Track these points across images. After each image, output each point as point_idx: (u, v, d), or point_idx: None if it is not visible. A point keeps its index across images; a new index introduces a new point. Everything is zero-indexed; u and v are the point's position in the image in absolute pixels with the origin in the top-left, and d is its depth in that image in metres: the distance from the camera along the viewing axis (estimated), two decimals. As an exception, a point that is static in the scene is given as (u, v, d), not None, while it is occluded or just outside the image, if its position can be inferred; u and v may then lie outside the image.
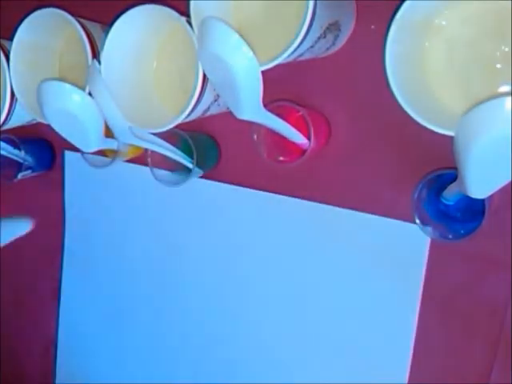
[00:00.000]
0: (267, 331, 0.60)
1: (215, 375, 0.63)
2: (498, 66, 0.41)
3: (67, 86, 0.47)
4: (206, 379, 0.64)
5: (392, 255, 0.53)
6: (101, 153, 0.60)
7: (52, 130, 0.50)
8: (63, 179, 0.70)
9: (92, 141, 0.51)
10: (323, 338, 0.57)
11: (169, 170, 0.59)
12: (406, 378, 0.53)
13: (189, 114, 0.47)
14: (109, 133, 0.51)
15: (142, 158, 0.62)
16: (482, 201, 0.44)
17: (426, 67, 0.42)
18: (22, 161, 0.67)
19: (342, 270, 0.55)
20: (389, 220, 0.52)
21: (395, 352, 0.53)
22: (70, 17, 0.51)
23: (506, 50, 0.40)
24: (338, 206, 0.54)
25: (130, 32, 0.49)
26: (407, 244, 0.52)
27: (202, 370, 0.64)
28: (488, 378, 0.50)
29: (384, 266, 0.53)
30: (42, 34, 0.55)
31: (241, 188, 0.59)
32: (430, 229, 0.48)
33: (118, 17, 0.48)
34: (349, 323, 0.55)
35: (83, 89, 0.49)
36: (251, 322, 0.61)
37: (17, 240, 0.74)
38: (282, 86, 0.54)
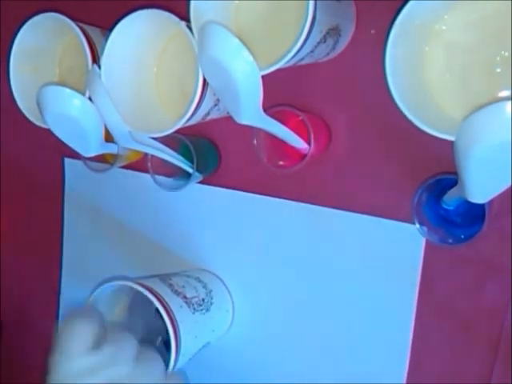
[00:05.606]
0: (262, 332, 0.60)
1: (216, 375, 0.63)
2: (498, 70, 0.41)
3: (67, 90, 0.47)
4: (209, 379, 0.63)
5: (388, 254, 0.53)
6: (101, 157, 0.60)
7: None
8: (63, 185, 0.70)
9: (92, 145, 0.52)
10: (320, 339, 0.57)
11: (168, 174, 0.59)
12: (404, 378, 0.53)
13: (189, 119, 0.47)
14: (109, 137, 0.51)
15: (141, 164, 0.62)
16: (482, 205, 0.44)
17: (426, 72, 0.42)
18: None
19: (341, 272, 0.55)
20: (383, 220, 0.52)
21: (393, 351, 0.53)
22: (70, 21, 0.51)
23: (506, 54, 0.40)
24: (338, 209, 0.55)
25: (130, 37, 0.49)
26: (403, 244, 0.52)
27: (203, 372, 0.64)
28: (488, 379, 0.50)
29: (381, 267, 0.53)
30: (43, 38, 0.55)
31: (241, 192, 0.59)
32: (429, 232, 0.48)
33: (118, 21, 0.48)
34: (345, 322, 0.55)
35: (83, 93, 0.49)
36: (248, 323, 0.60)
37: (16, 246, 0.74)
38: (282, 91, 0.54)
